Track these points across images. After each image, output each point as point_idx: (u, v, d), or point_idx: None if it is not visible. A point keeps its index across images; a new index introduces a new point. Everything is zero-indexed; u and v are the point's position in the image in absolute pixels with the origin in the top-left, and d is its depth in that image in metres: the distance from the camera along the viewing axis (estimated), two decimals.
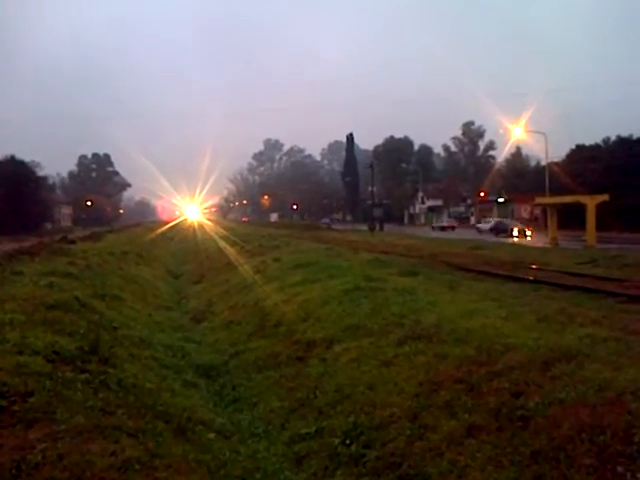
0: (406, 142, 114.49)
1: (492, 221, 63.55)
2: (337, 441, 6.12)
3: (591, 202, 32.75)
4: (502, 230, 52.43)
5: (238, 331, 12.17)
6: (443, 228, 69.11)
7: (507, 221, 57.67)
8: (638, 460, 4.12)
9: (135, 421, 5.37)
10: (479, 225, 65.24)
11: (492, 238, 44.65)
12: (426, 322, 8.55)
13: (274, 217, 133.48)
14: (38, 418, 4.85)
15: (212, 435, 6.24)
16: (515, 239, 44.22)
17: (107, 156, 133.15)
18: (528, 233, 47.18)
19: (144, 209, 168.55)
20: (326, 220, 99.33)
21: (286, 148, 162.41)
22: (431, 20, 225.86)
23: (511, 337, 7.19)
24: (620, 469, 4.11)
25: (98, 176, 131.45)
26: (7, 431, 4.59)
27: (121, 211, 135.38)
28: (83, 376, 6.08)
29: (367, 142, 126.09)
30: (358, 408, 6.65)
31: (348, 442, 6.04)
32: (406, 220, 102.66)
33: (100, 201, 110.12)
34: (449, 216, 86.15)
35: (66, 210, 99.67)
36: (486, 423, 5.37)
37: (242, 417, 7.50)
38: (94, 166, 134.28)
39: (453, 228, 69.28)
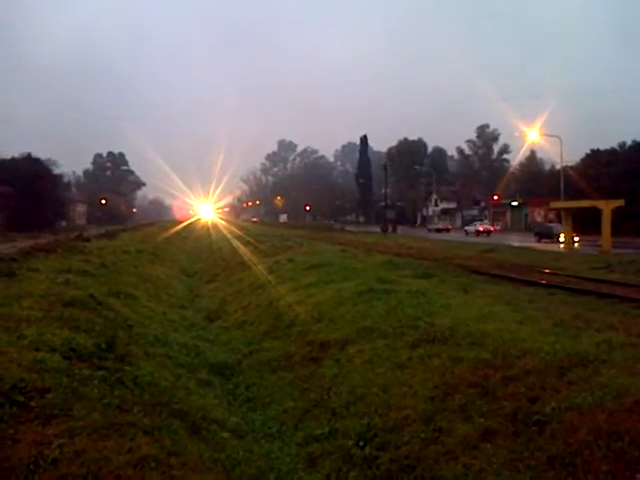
0: (420, 144, 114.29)
1: (477, 225, 64.98)
2: (351, 443, 6.11)
3: (607, 207, 32.51)
4: (546, 235, 47.53)
5: (252, 331, 12.19)
6: (439, 230, 70.25)
7: (553, 226, 50.73)
8: None
9: (151, 419, 5.39)
10: (466, 228, 66.44)
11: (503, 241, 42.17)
12: (440, 325, 8.52)
13: (283, 218, 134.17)
14: (55, 414, 4.90)
15: (226, 434, 6.25)
16: (561, 245, 39.69)
17: (122, 155, 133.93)
18: (576, 239, 41.89)
19: (158, 208, 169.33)
20: (332, 222, 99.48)
21: (300, 149, 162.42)
22: (446, 22, 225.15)
23: (527, 341, 7.15)
24: (638, 476, 4.08)
25: (113, 175, 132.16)
26: (25, 426, 4.63)
27: (135, 210, 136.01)
28: (100, 373, 6.13)
29: (381, 144, 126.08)
30: (372, 410, 6.64)
31: (362, 444, 6.03)
32: (419, 222, 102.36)
33: (114, 200, 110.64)
34: (442, 219, 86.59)
35: (81, 208, 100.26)
36: (502, 427, 5.34)
37: (256, 417, 7.52)
38: (109, 165, 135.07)
39: (448, 230, 70.25)
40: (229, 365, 9.73)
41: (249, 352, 10.62)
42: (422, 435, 5.76)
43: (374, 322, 9.45)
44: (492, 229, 64.36)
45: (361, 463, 5.74)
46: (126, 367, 6.77)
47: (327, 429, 6.65)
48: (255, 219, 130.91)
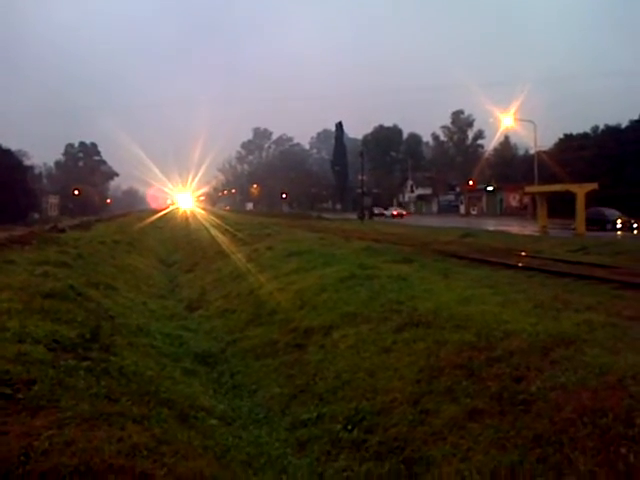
0: (395, 131, 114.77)
1: (391, 210, 76.41)
2: (339, 426, 6.16)
3: (580, 191, 32.98)
4: (599, 221, 39.35)
5: (234, 319, 12.17)
6: (393, 216, 75.54)
7: (607, 211, 41.60)
8: None
9: (139, 408, 5.37)
10: (385, 212, 77.43)
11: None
12: (423, 309, 8.59)
13: (249, 206, 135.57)
14: (43, 406, 4.85)
15: (214, 421, 6.26)
16: (618, 233, 35.88)
17: (94, 145, 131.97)
18: (635, 225, 38.02)
19: (132, 198, 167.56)
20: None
21: (275, 137, 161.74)
22: (421, 9, 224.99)
23: (509, 323, 7.24)
24: (623, 451, 4.17)
25: (85, 165, 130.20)
26: (12, 418, 4.58)
27: (108, 200, 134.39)
28: (85, 364, 6.07)
29: (356, 131, 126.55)
30: (359, 394, 6.69)
31: (350, 427, 6.08)
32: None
33: (87, 190, 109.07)
34: (400, 205, 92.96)
35: (53, 200, 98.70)
36: (488, 407, 5.42)
37: (242, 404, 7.52)
38: (81, 155, 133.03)
39: (402, 216, 74.93)
40: (213, 353, 9.72)
41: (232, 340, 10.61)
42: (409, 417, 5.82)
43: (357, 307, 9.49)
44: (404, 213, 78.48)
45: (350, 446, 5.79)
46: (111, 357, 6.73)
47: (315, 414, 6.68)
48: (227, 208, 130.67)
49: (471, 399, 5.65)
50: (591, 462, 4.18)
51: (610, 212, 41.00)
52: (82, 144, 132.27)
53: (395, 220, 64.98)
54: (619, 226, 38.58)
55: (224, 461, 5.17)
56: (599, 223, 38.80)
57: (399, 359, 7.14)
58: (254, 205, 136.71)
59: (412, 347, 7.32)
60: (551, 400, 5.07)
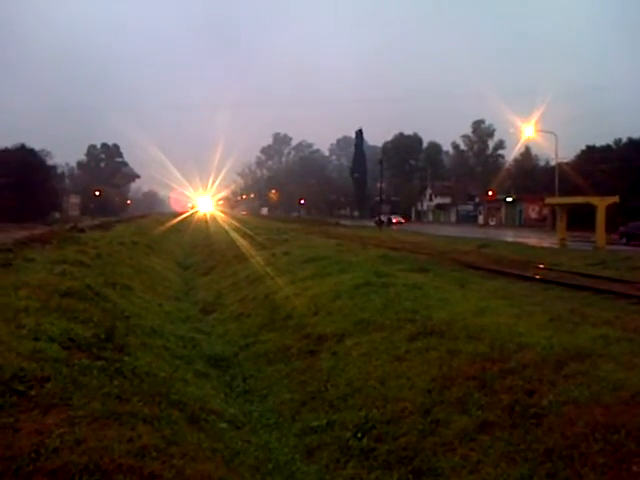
0: (415, 139, 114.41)
1: (392, 217, 75.72)
2: (348, 434, 6.16)
3: (601, 203, 32.54)
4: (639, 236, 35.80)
5: (248, 323, 12.21)
6: (393, 223, 75.15)
7: None
8: None
9: (150, 408, 5.40)
10: (376, 219, 73.93)
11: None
12: (438, 318, 8.56)
13: (264, 211, 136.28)
14: (55, 403, 4.90)
15: (224, 425, 6.28)
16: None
17: (116, 147, 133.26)
18: None
19: (152, 200, 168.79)
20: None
21: (295, 142, 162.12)
22: (443, 17, 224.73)
23: (524, 335, 7.19)
24: (635, 468, 4.12)
25: (107, 166, 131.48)
26: (25, 415, 4.63)
27: (129, 202, 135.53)
28: (99, 363, 6.13)
29: (376, 138, 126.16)
30: (370, 402, 6.68)
31: (359, 435, 6.07)
32: (413, 217, 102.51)
33: (108, 191, 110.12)
34: (395, 213, 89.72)
35: (74, 200, 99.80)
36: (499, 420, 5.39)
37: (253, 408, 7.54)
38: (103, 156, 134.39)
39: (400, 223, 75.66)
40: (226, 357, 9.75)
41: (245, 344, 10.64)
42: (420, 427, 5.81)
43: (371, 315, 9.47)
44: (403, 220, 79.09)
45: (359, 454, 5.78)
46: (125, 357, 6.77)
47: (325, 421, 6.68)
48: (244, 212, 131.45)
49: (482, 411, 5.62)
50: (602, 479, 4.13)
51: None
52: (104, 145, 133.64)
53: (414, 227, 64.72)
54: None
55: (232, 465, 5.18)
56: None
57: (411, 368, 7.12)
58: (270, 210, 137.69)
59: (425, 356, 7.30)
60: (563, 414, 5.03)
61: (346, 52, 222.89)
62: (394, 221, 76.84)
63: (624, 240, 37.29)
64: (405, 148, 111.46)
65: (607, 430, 4.55)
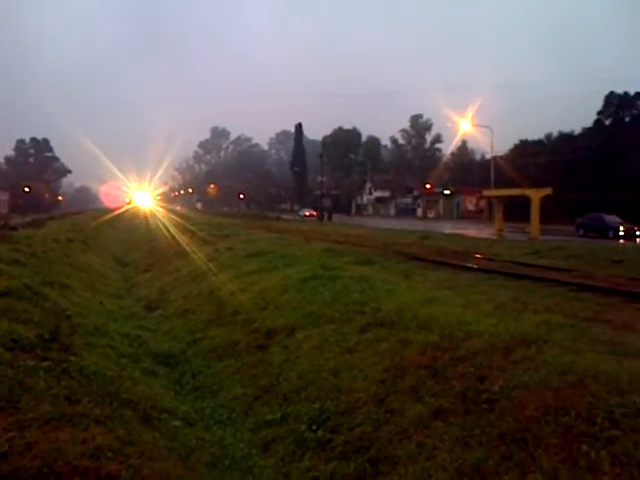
0: (354, 133, 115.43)
1: (304, 210, 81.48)
2: (303, 427, 6.15)
3: (536, 195, 33.77)
4: (597, 228, 37.50)
5: (194, 319, 12.00)
6: (306, 216, 79.32)
7: (607, 217, 38.71)
8: (601, 439, 4.29)
9: (101, 409, 5.24)
10: (299, 212, 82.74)
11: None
12: (387, 309, 8.64)
13: (199, 206, 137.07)
14: (2, 407, 4.70)
15: (178, 423, 6.15)
16: (620, 241, 33.14)
17: (46, 141, 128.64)
18: (638, 233, 35.72)
19: (85, 196, 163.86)
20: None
21: (233, 137, 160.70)
22: (381, 12, 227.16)
23: (472, 324, 7.33)
24: (585, 448, 4.27)
25: (36, 161, 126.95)
26: None
27: (60, 198, 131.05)
28: (45, 364, 5.90)
29: (315, 132, 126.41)
30: (323, 394, 6.69)
31: (315, 427, 6.07)
32: (354, 210, 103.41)
33: (39, 187, 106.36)
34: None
35: (2, 196, 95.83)
36: (452, 407, 5.48)
37: (205, 405, 7.42)
38: (32, 151, 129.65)
39: (313, 216, 76.61)
40: (174, 354, 9.55)
41: (193, 341, 10.47)
42: (375, 416, 5.85)
43: (320, 308, 9.47)
44: (315, 214, 76.96)
45: (315, 446, 5.78)
46: (71, 358, 6.54)
47: (279, 414, 6.66)
48: (179, 207, 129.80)
49: (436, 398, 5.70)
50: (554, 459, 4.26)
51: (610, 218, 38.54)
52: (33, 140, 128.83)
53: (355, 221, 65.27)
54: (622, 234, 35.83)
55: (189, 462, 5.10)
56: (598, 230, 37.11)
57: (363, 359, 7.16)
58: (205, 205, 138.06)
59: (376, 347, 7.35)
60: (514, 399, 5.15)
61: (284, 47, 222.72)
62: (306, 214, 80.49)
63: (581, 232, 38.57)
64: (344, 142, 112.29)
65: (557, 412, 4.69)
